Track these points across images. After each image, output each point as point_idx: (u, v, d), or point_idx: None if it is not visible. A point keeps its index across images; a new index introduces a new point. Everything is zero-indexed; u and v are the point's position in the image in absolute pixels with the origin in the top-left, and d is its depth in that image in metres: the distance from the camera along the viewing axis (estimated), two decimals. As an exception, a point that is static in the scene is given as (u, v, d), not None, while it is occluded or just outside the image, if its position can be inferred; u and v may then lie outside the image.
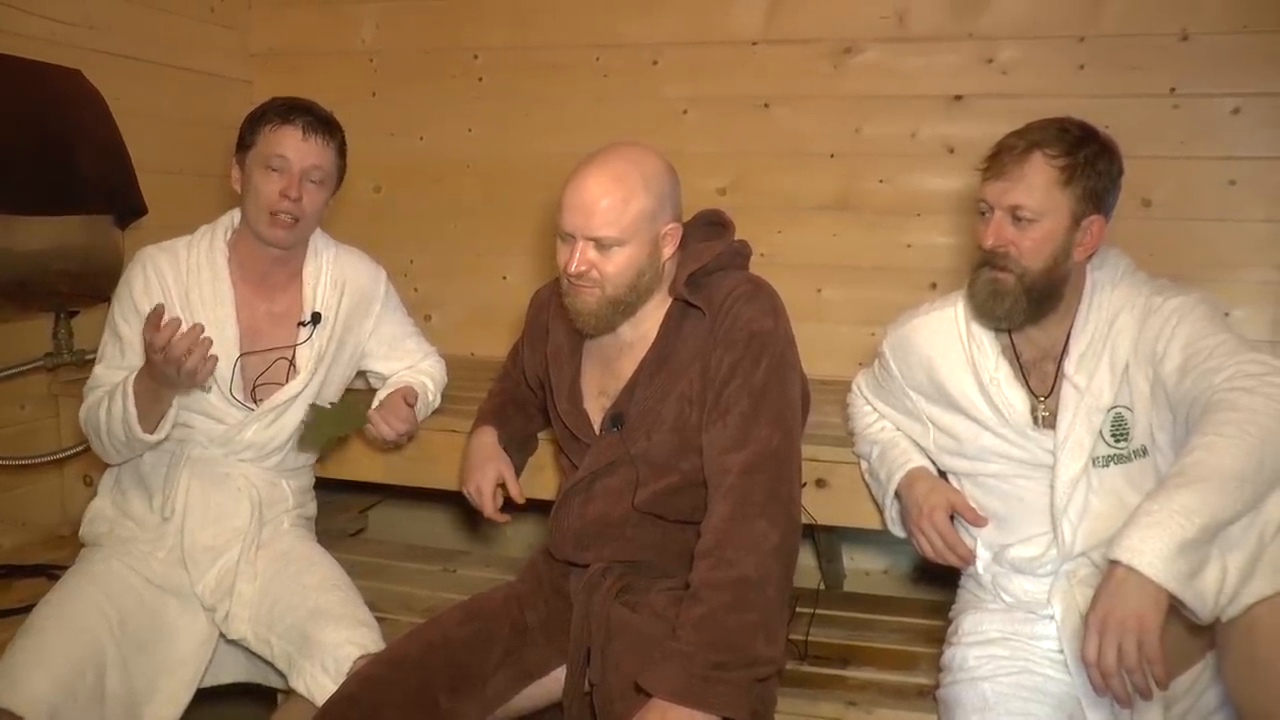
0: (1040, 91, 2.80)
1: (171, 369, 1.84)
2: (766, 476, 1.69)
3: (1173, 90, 2.75)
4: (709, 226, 1.96)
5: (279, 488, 2.21)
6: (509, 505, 2.07)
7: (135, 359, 2.06)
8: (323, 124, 2.09)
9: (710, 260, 1.84)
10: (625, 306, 1.82)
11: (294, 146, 2.05)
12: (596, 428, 1.90)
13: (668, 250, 1.83)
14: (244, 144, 2.09)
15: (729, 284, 1.82)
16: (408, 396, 2.22)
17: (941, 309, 1.96)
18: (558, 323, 1.98)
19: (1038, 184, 1.73)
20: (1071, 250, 1.77)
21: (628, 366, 1.87)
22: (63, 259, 2.48)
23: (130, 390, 1.95)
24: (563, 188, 1.80)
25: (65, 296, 2.62)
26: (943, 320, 1.94)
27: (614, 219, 1.75)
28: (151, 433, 1.99)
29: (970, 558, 1.89)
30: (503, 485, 2.05)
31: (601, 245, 1.76)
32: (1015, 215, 1.74)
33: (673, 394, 1.82)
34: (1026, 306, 1.77)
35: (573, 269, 1.78)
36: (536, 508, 2.22)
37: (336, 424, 2.19)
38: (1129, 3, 2.76)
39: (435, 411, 2.42)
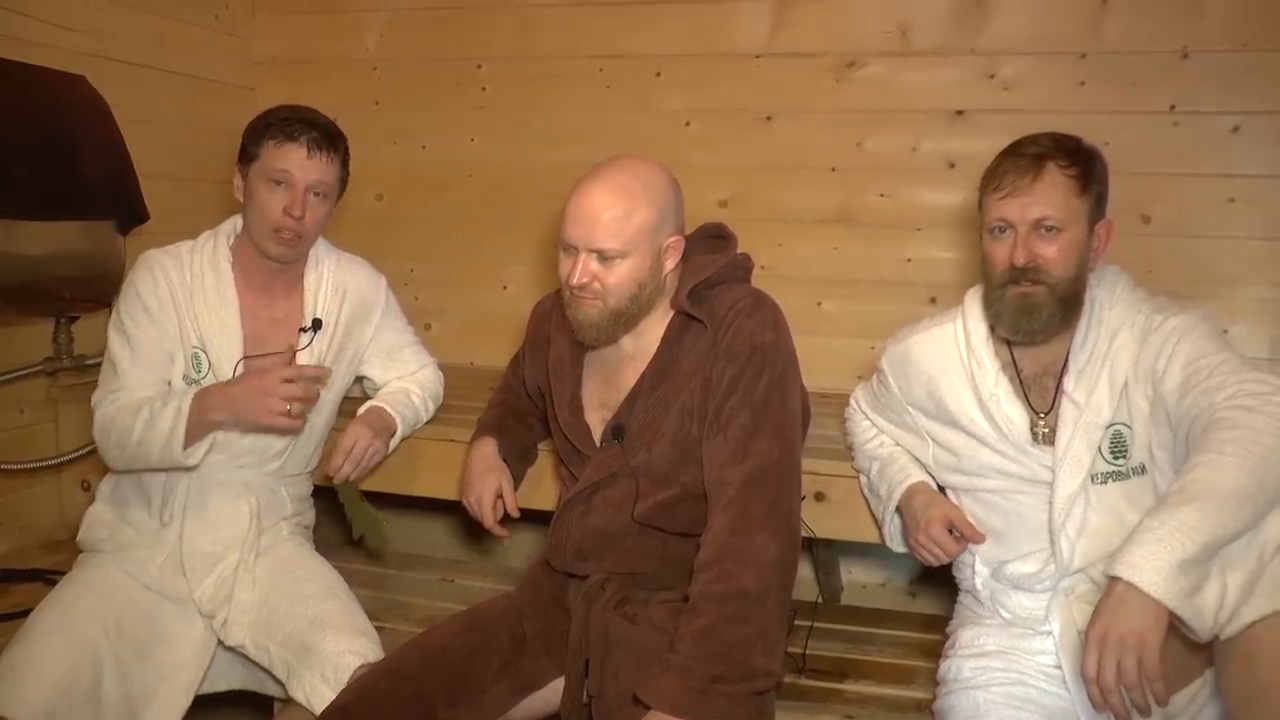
0: (1041, 107, 2.81)
1: (277, 406, 1.90)
2: (767, 490, 1.69)
3: (1173, 107, 2.76)
4: (711, 239, 1.96)
5: (278, 495, 2.21)
6: (505, 519, 2.07)
7: (146, 359, 2.07)
8: (327, 139, 2.07)
9: (712, 273, 1.84)
10: (627, 318, 1.82)
11: (298, 164, 2.03)
12: (597, 439, 1.90)
13: (670, 263, 1.84)
14: (246, 155, 2.07)
15: (731, 297, 1.82)
16: (359, 439, 2.17)
17: (941, 324, 1.96)
18: (559, 334, 1.98)
19: (1058, 195, 1.75)
20: (1089, 256, 1.79)
21: (629, 378, 1.87)
22: (64, 264, 2.48)
23: (186, 410, 1.95)
24: (566, 199, 1.81)
25: (66, 301, 2.62)
26: (942, 336, 1.95)
27: (616, 231, 1.75)
28: (187, 455, 1.99)
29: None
30: (500, 497, 2.06)
31: (604, 257, 1.77)
32: (1040, 228, 1.75)
33: (673, 406, 1.82)
34: (1061, 316, 1.78)
35: (575, 281, 1.78)
36: (536, 518, 2.22)
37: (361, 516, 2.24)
38: (1130, 20, 2.77)
39: (434, 421, 2.42)
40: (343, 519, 2.21)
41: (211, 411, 1.96)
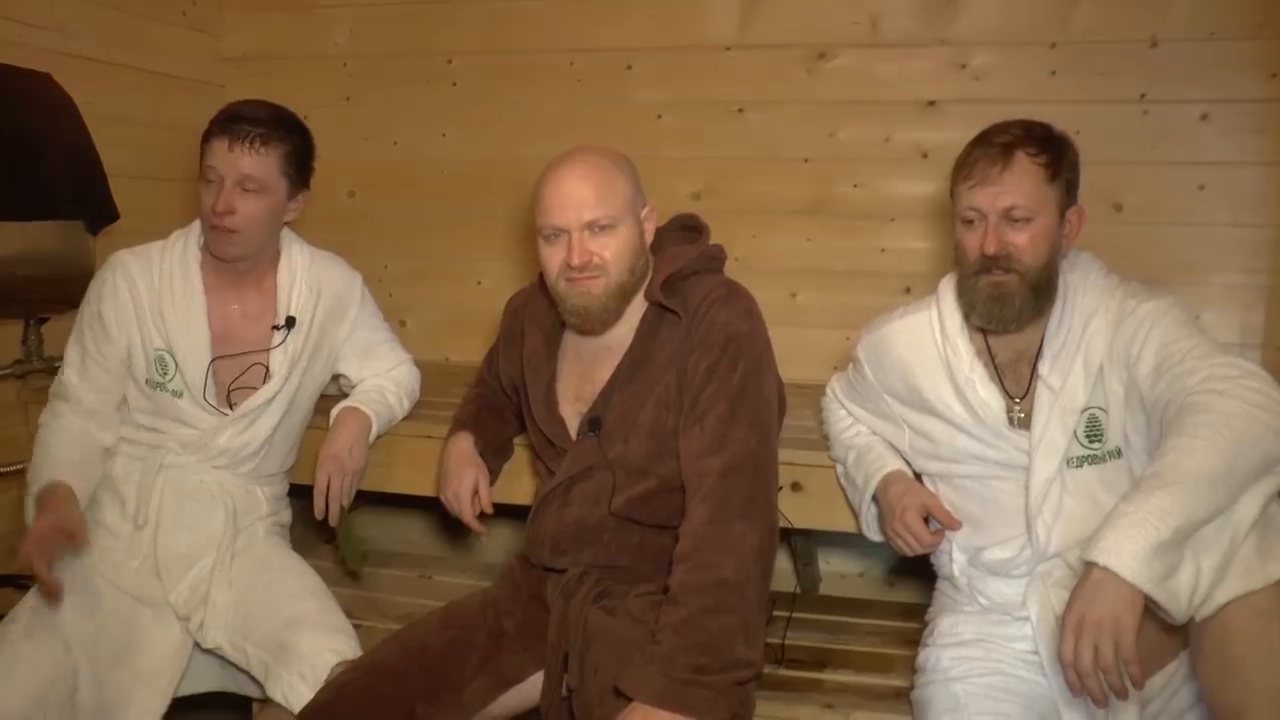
0: (1012, 97, 2.81)
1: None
2: (745, 479, 1.70)
3: (1142, 96, 2.78)
4: (684, 231, 1.97)
5: (254, 495, 2.20)
6: (483, 514, 2.07)
7: (93, 375, 2.09)
8: (258, 132, 2.03)
9: (685, 264, 1.84)
10: (627, 291, 1.83)
11: (221, 158, 2.01)
12: (572, 433, 1.89)
13: (649, 233, 1.87)
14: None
15: (704, 288, 1.82)
16: (330, 479, 2.14)
17: (916, 313, 1.97)
18: (533, 328, 1.98)
19: (1027, 184, 1.75)
20: (1060, 243, 1.80)
21: (604, 371, 1.87)
22: (33, 265, 2.46)
23: (31, 504, 2.02)
24: (538, 192, 1.81)
25: (35, 303, 2.59)
26: (917, 324, 1.95)
27: (605, 199, 1.78)
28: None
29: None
30: (477, 492, 2.05)
31: (597, 230, 1.78)
32: (1010, 217, 1.76)
33: (650, 398, 1.82)
34: (1033, 304, 1.79)
35: (576, 260, 1.78)
36: (513, 514, 2.22)
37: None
38: (1099, 9, 2.79)
39: (410, 418, 2.41)
40: (319, 523, 2.21)
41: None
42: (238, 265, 2.12)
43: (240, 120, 2.03)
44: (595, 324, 1.85)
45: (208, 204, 2.03)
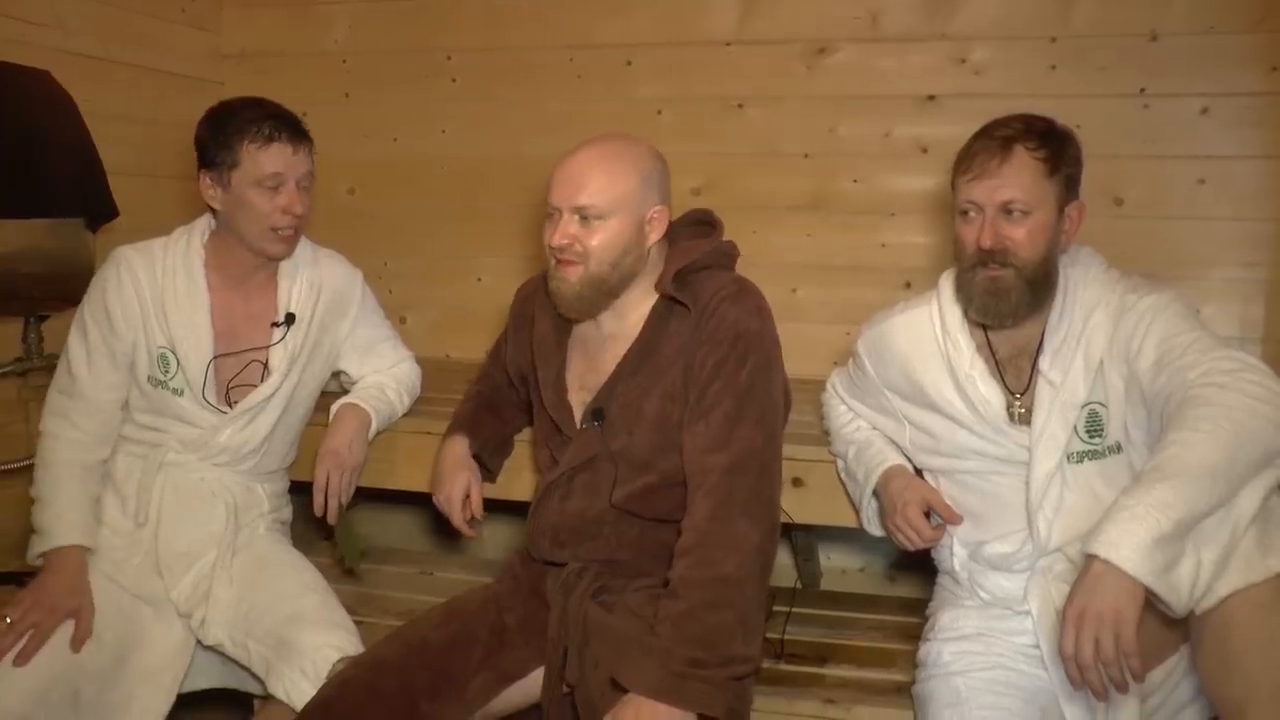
0: (1012, 91, 2.82)
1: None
2: (749, 477, 1.70)
3: (1143, 90, 2.78)
4: (697, 225, 1.97)
5: (254, 492, 2.19)
6: (473, 519, 2.07)
7: (105, 365, 2.07)
8: (298, 128, 2.07)
9: (697, 258, 1.84)
10: (608, 287, 1.82)
11: (287, 162, 2.02)
12: (578, 421, 1.89)
13: (654, 235, 1.85)
14: (217, 160, 2.03)
15: (715, 283, 1.82)
16: (329, 475, 2.14)
17: (916, 308, 1.97)
18: (542, 314, 1.97)
19: (1026, 177, 1.75)
20: (1059, 238, 1.80)
21: (610, 361, 1.87)
22: (32, 262, 2.46)
23: (37, 550, 2.02)
24: (552, 169, 1.82)
25: (35, 300, 2.59)
26: (918, 319, 1.95)
27: (599, 189, 1.77)
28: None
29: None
30: (469, 496, 2.05)
31: (585, 217, 1.78)
32: (1007, 211, 1.76)
33: (655, 391, 1.81)
34: (1030, 299, 1.79)
35: (555, 241, 1.79)
36: (513, 509, 2.22)
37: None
38: (1099, 4, 2.80)
39: (410, 414, 2.40)
40: (319, 519, 2.22)
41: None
42: (252, 262, 2.13)
43: (280, 120, 2.04)
44: (568, 310, 1.86)
45: (275, 209, 2.03)
